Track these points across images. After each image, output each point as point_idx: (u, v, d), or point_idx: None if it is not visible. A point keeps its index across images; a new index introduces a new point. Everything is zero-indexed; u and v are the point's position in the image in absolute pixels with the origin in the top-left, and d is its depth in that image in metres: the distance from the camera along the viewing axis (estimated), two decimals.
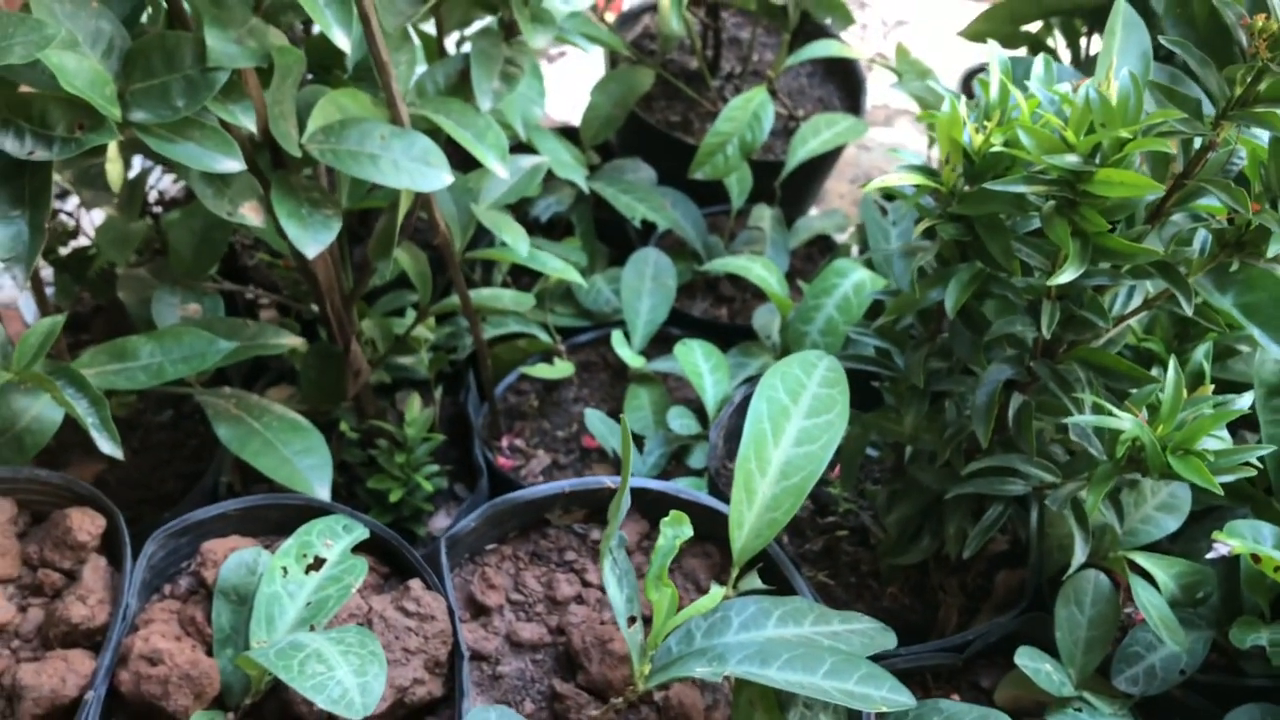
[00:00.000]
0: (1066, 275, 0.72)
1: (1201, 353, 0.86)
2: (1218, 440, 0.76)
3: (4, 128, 0.80)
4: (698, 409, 1.27)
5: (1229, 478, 0.74)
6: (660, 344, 1.37)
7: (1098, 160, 0.72)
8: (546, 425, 1.33)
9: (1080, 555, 0.83)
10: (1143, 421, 0.75)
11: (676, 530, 0.77)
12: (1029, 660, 0.85)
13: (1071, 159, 0.71)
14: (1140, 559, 0.90)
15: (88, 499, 0.91)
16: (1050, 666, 0.86)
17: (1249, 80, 0.70)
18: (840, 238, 1.57)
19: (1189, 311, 0.75)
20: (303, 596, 0.84)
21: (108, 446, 0.86)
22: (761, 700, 0.81)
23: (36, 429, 0.92)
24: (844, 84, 1.71)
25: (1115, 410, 0.76)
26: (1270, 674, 0.91)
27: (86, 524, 0.88)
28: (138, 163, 1.28)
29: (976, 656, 0.96)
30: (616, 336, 1.32)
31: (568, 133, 1.52)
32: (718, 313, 1.47)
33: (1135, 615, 0.98)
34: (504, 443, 1.31)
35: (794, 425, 0.83)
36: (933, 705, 0.81)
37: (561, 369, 1.32)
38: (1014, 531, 1.00)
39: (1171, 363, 0.76)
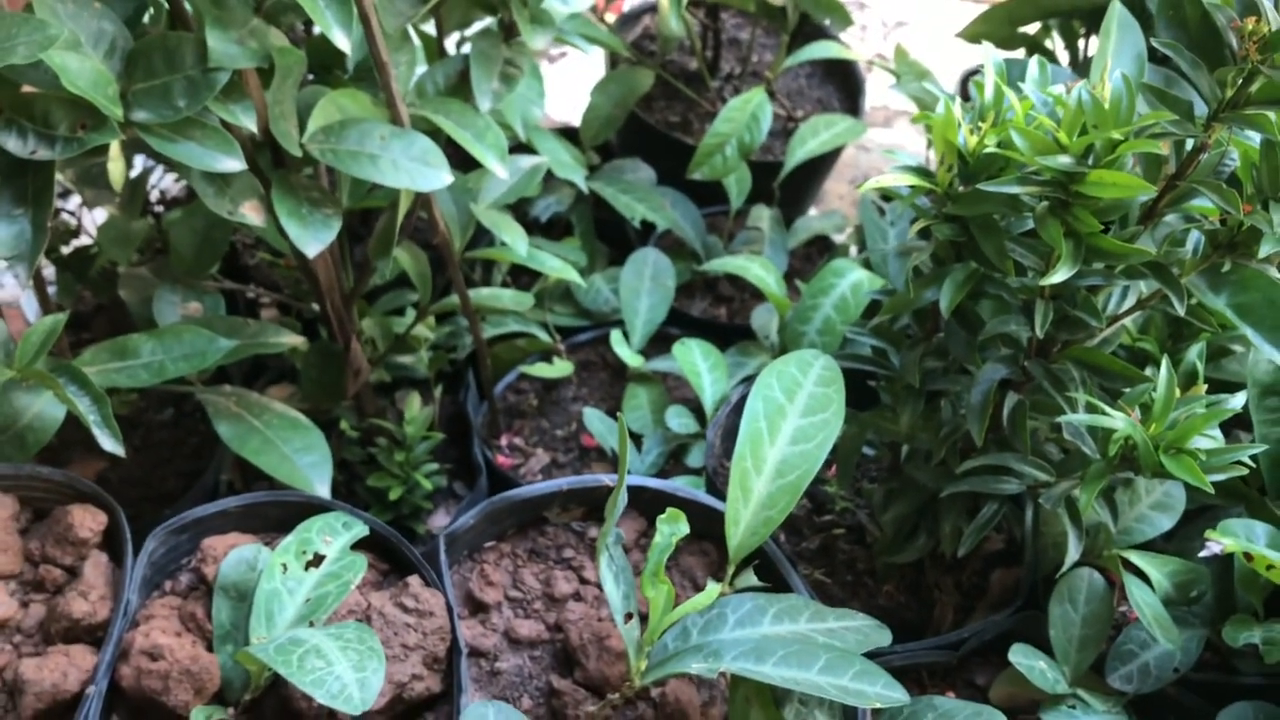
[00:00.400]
0: (1059, 275, 0.73)
1: (1195, 353, 0.87)
2: (1210, 439, 0.76)
3: (7, 127, 0.80)
4: (696, 408, 1.28)
5: (1221, 476, 0.75)
6: (659, 343, 1.38)
7: (1090, 161, 0.72)
8: (545, 424, 1.34)
9: (1074, 553, 0.83)
10: (1135, 421, 0.76)
11: (673, 527, 0.78)
12: (1023, 658, 0.86)
13: (1064, 160, 0.72)
14: (1134, 557, 0.91)
15: (89, 496, 0.91)
16: (1044, 664, 0.86)
17: (1240, 82, 0.71)
18: (839, 238, 1.58)
19: (1181, 311, 0.76)
20: (302, 593, 0.85)
21: (109, 444, 0.87)
22: (757, 697, 0.81)
23: (38, 426, 0.93)
24: (843, 85, 1.71)
25: (1108, 409, 0.76)
26: (1263, 672, 0.92)
27: (88, 521, 0.89)
28: (139, 162, 1.29)
29: (972, 654, 0.96)
30: (615, 336, 1.33)
31: (568, 133, 1.53)
32: (716, 312, 1.47)
33: (1129, 614, 0.99)
34: (503, 441, 1.32)
35: (790, 424, 0.84)
36: (927, 702, 0.81)
37: (560, 368, 1.33)
38: (1009, 530, 1.01)
39: (1164, 362, 0.77)
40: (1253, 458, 0.93)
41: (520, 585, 0.95)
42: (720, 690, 0.89)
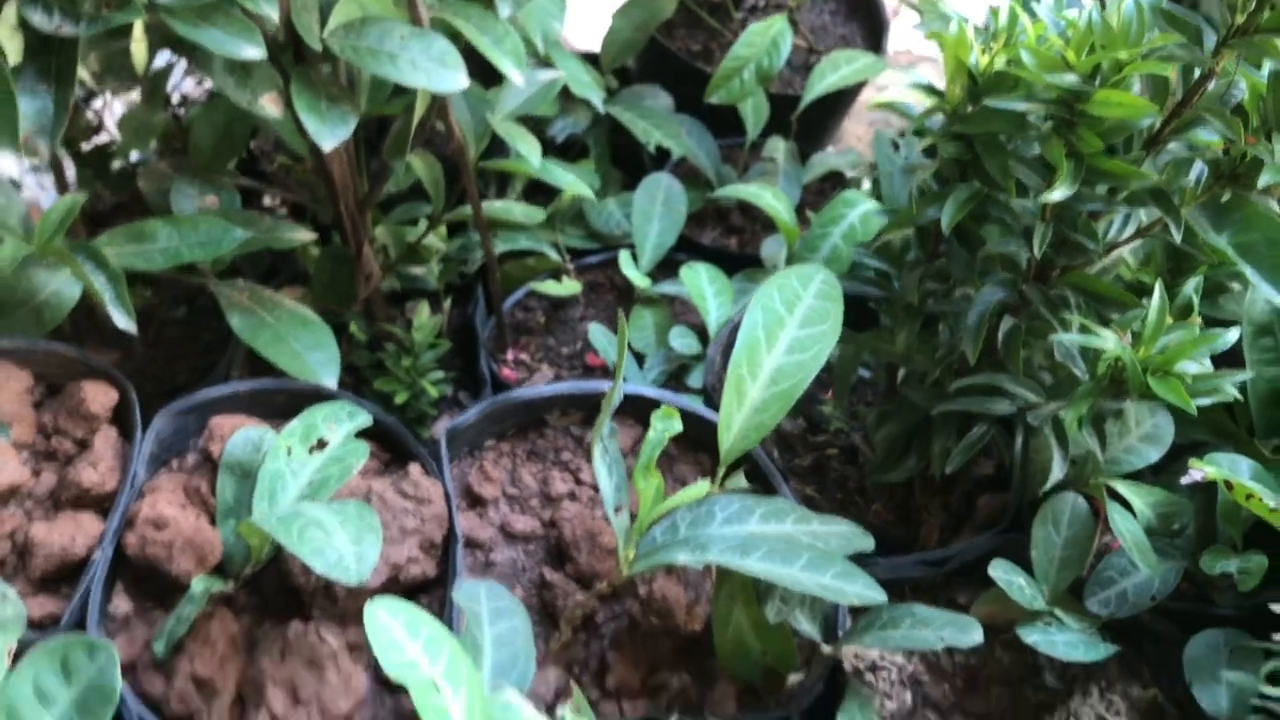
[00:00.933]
0: (1059, 192, 0.74)
1: (1191, 286, 0.88)
2: (1198, 366, 0.78)
3: (33, 3, 0.82)
4: (699, 331, 1.30)
5: (1207, 400, 0.76)
6: (667, 269, 1.39)
7: (1097, 82, 0.73)
8: (552, 341, 1.36)
9: (1058, 471, 0.85)
10: (1125, 343, 0.77)
11: (666, 424, 0.80)
12: (1003, 572, 0.88)
13: (1070, 78, 0.73)
14: (1120, 486, 0.93)
15: (102, 373, 0.94)
16: (1023, 580, 0.88)
17: (1251, 8, 0.71)
18: (852, 175, 1.58)
19: (1178, 238, 0.77)
20: (305, 475, 0.87)
21: (123, 321, 0.89)
22: (741, 594, 0.84)
23: (54, 303, 0.95)
24: (866, 23, 1.71)
25: (1099, 330, 0.78)
26: (1237, 605, 0.94)
27: (99, 396, 0.92)
28: (161, 60, 1.30)
29: (955, 574, 0.98)
30: (624, 256, 1.34)
31: (588, 59, 1.53)
32: (726, 242, 1.48)
33: (1112, 543, 1.01)
34: (509, 356, 1.34)
35: (788, 334, 0.85)
36: (906, 609, 0.83)
37: (569, 286, 1.34)
38: (998, 456, 1.03)
39: (1157, 286, 0.78)
40: (1242, 397, 0.95)
41: (518, 483, 0.97)
42: (705, 591, 0.91)
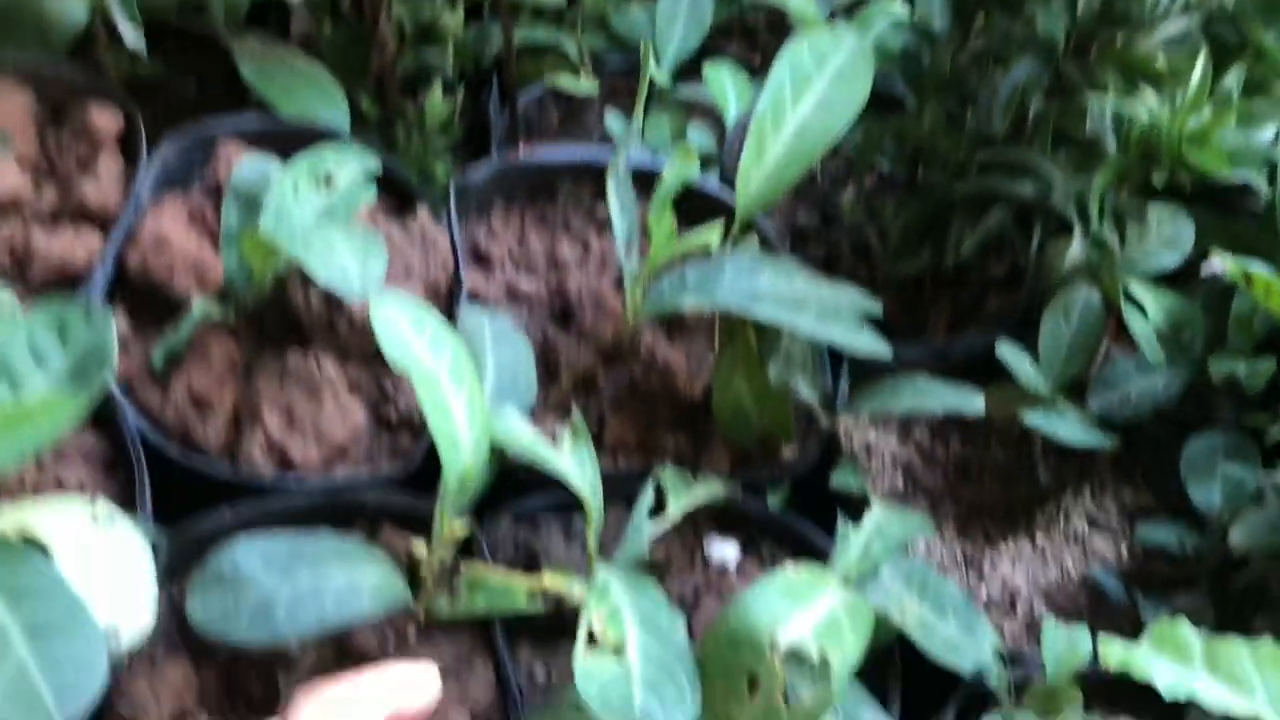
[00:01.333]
0: None
1: (1232, 78, 0.85)
2: (1235, 140, 0.76)
3: None
4: (718, 133, 1.27)
5: (1245, 173, 0.74)
6: (688, 77, 1.36)
7: None
8: (565, 140, 1.33)
9: (1077, 251, 0.83)
10: (1161, 112, 0.75)
11: (683, 166, 0.78)
12: (1010, 355, 0.87)
13: None
14: (1136, 286, 0.91)
15: (109, 96, 0.91)
16: (1029, 365, 0.88)
17: None
18: None
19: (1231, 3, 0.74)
20: (311, 208, 0.85)
21: (131, 36, 0.87)
22: (744, 360, 0.83)
23: (61, 24, 0.92)
24: None
25: (1136, 96, 0.75)
26: (1237, 413, 0.93)
27: (105, 118, 0.90)
28: None
29: (958, 369, 0.97)
30: (645, 49, 1.30)
31: None
32: (751, 56, 1.45)
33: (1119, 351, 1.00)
34: (521, 150, 1.31)
35: (815, 91, 0.82)
36: (909, 379, 0.83)
37: (586, 84, 1.31)
38: (1013, 258, 1.01)
39: (1200, 57, 0.75)
40: (1268, 206, 0.93)
41: (525, 245, 0.96)
42: (707, 363, 0.91)
